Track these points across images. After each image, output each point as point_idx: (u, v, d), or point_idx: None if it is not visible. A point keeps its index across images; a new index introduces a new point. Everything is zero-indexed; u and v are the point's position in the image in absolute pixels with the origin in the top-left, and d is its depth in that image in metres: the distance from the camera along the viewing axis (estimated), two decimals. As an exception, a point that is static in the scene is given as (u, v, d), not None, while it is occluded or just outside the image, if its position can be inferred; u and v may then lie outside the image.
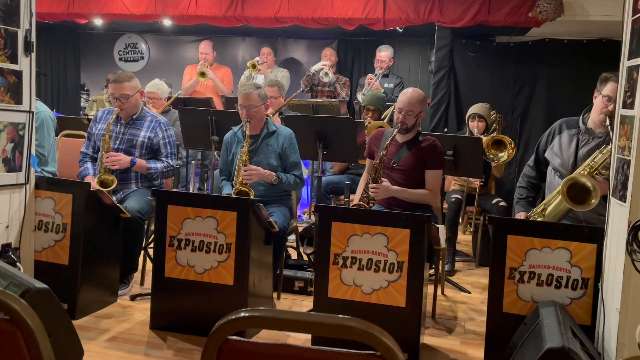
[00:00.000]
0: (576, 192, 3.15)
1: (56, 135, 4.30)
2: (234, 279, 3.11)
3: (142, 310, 3.48)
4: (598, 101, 3.35)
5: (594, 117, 3.38)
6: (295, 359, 1.16)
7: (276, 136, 3.84)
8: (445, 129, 6.10)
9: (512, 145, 4.57)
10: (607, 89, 3.29)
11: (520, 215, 3.56)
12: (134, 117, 3.95)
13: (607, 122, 3.23)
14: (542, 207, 3.41)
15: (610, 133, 3.19)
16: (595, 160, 3.26)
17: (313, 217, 4.27)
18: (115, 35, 8.28)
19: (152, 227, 3.70)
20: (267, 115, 3.90)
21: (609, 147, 3.19)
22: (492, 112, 5.05)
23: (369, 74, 6.60)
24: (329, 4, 6.08)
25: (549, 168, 3.56)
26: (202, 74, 6.59)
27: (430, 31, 6.33)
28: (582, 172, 3.25)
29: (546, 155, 3.55)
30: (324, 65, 6.57)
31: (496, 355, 2.77)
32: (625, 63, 2.53)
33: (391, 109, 5.54)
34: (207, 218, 3.15)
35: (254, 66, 6.47)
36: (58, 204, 3.39)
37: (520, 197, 3.67)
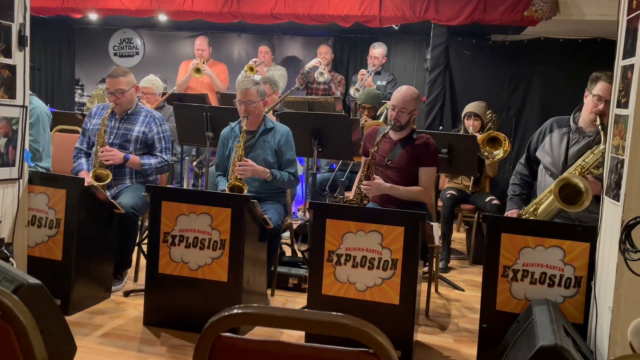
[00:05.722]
0: (568, 193, 3.16)
1: (50, 130, 4.28)
2: (228, 275, 3.11)
3: (136, 307, 3.48)
4: (588, 100, 3.36)
5: (585, 116, 3.38)
6: (288, 356, 1.16)
7: (273, 133, 3.84)
8: (440, 127, 6.11)
9: (507, 142, 4.58)
10: (598, 88, 3.29)
11: (512, 212, 3.57)
12: (129, 112, 3.94)
13: (598, 122, 3.24)
14: (534, 206, 3.42)
15: (601, 132, 3.20)
16: (586, 160, 3.27)
17: (308, 214, 4.27)
18: (110, 30, 8.24)
19: (147, 223, 3.69)
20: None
21: (600, 147, 3.20)
22: (487, 111, 5.06)
23: (362, 70, 6.60)
24: (325, 1, 6.08)
25: (540, 167, 3.57)
26: (197, 70, 6.57)
27: (426, 29, 6.33)
28: (574, 172, 3.26)
29: (537, 154, 3.56)
30: (318, 63, 6.55)
31: (489, 353, 2.78)
32: (620, 62, 2.53)
33: (385, 106, 5.54)
34: (201, 214, 3.14)
35: (251, 69, 6.46)
36: (52, 199, 3.38)
37: (513, 194, 3.67)
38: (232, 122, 3.96)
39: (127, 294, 3.69)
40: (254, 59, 6.71)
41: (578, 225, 2.88)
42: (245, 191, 3.60)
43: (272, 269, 3.74)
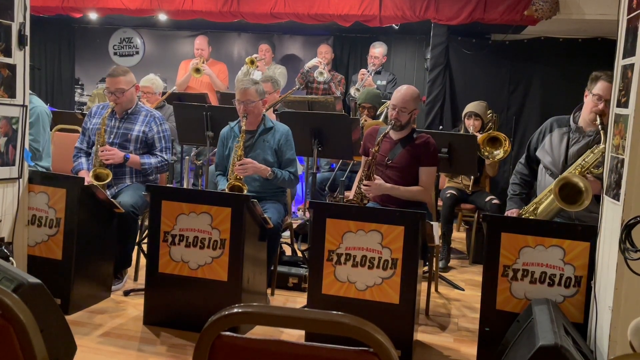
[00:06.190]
0: (568, 192, 3.16)
1: (50, 129, 4.28)
2: (228, 275, 3.10)
3: (136, 306, 3.48)
4: (588, 100, 3.36)
5: (585, 115, 3.39)
6: (288, 355, 1.16)
7: (273, 132, 3.84)
8: (440, 127, 6.11)
9: (507, 142, 4.58)
10: (598, 87, 3.29)
11: (512, 212, 3.57)
12: (129, 111, 3.94)
13: (598, 121, 3.25)
14: (534, 206, 3.42)
15: (601, 132, 3.20)
16: (586, 160, 3.27)
17: (307, 214, 4.27)
18: (110, 29, 8.24)
19: (147, 223, 3.69)
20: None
21: (600, 146, 3.20)
22: (488, 111, 5.06)
23: (362, 69, 6.60)
24: (325, 1, 6.08)
25: (540, 166, 3.57)
26: (197, 70, 6.56)
27: (426, 28, 6.33)
28: (574, 171, 3.26)
29: (537, 153, 3.56)
30: (318, 63, 6.55)
31: (489, 353, 2.78)
32: (620, 62, 2.53)
33: (385, 105, 5.54)
34: (201, 214, 3.14)
35: (252, 62, 6.45)
36: (52, 199, 3.37)
37: (513, 193, 3.68)
38: (231, 122, 3.96)
39: (127, 293, 3.69)
40: (255, 55, 6.71)
41: (578, 224, 2.88)
42: (245, 191, 3.60)
43: (272, 268, 3.74)
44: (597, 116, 3.26)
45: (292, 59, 7.73)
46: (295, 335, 3.06)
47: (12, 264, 3.11)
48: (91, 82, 8.39)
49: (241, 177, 3.65)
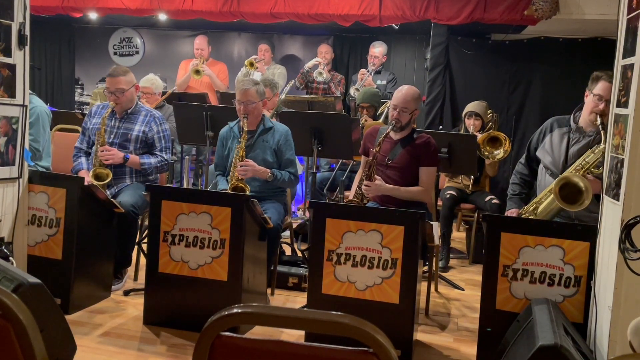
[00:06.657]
0: (568, 192, 3.16)
1: (50, 129, 4.28)
2: (228, 274, 3.11)
3: (136, 306, 3.48)
4: (589, 100, 3.36)
5: (585, 115, 3.38)
6: (288, 356, 1.16)
7: (272, 132, 3.84)
8: (440, 127, 6.11)
9: (508, 142, 4.58)
10: (599, 87, 3.29)
11: (512, 211, 3.57)
12: (129, 111, 3.94)
13: (598, 121, 3.25)
14: (534, 205, 3.42)
15: (601, 132, 3.20)
16: (586, 159, 3.27)
17: (307, 214, 4.27)
18: (110, 29, 8.24)
19: (146, 222, 3.69)
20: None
21: (601, 146, 3.20)
22: (488, 111, 5.06)
23: (362, 69, 6.60)
24: (325, 0, 6.08)
25: (540, 166, 3.57)
26: (197, 72, 6.56)
27: (426, 28, 6.33)
28: (574, 171, 3.26)
29: (537, 153, 3.56)
30: (317, 62, 6.55)
31: (489, 352, 2.78)
32: (620, 62, 2.53)
33: (386, 105, 5.54)
34: (201, 214, 3.14)
35: (251, 64, 6.45)
36: (52, 199, 3.38)
37: (513, 193, 3.68)
38: (230, 122, 3.97)
39: (127, 293, 3.69)
40: (254, 56, 6.71)
41: (578, 224, 2.88)
42: (248, 192, 3.60)
43: (272, 268, 3.74)
44: (598, 116, 3.26)
45: (292, 59, 7.73)
46: (295, 335, 3.06)
47: (12, 264, 3.11)
48: (91, 82, 8.39)
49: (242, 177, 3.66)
